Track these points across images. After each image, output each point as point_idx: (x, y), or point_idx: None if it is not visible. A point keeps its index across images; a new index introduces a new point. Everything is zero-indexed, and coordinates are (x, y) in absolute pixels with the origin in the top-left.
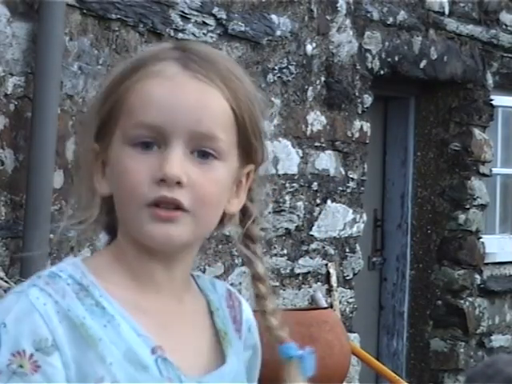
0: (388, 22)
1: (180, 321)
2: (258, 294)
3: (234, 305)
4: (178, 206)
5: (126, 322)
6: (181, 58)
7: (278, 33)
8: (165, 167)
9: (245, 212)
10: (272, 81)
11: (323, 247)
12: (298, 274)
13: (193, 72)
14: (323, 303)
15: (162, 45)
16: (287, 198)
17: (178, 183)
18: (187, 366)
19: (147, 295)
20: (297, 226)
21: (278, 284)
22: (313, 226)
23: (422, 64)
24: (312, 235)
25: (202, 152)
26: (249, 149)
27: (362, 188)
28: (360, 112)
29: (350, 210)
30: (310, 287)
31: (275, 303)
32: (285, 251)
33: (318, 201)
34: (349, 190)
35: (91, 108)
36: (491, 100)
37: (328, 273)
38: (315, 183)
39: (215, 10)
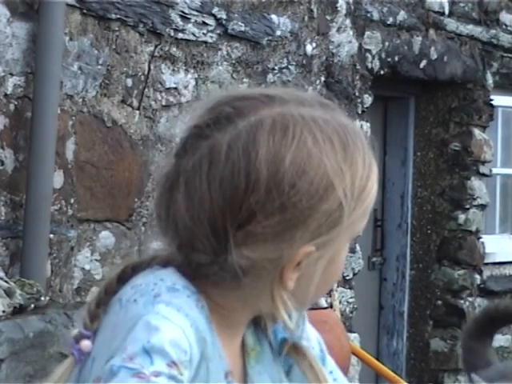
0: (388, 22)
1: (234, 352)
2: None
3: None
4: None
5: (217, 342)
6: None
7: (278, 33)
8: None
9: None
10: (272, 81)
11: None
12: None
13: None
14: (323, 303)
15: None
16: None
17: None
18: None
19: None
20: None
21: None
22: None
23: (422, 64)
24: None
25: None
26: None
27: None
28: (360, 112)
29: None
30: None
31: None
32: None
33: None
34: None
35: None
36: (491, 100)
37: None
38: None
39: (215, 10)
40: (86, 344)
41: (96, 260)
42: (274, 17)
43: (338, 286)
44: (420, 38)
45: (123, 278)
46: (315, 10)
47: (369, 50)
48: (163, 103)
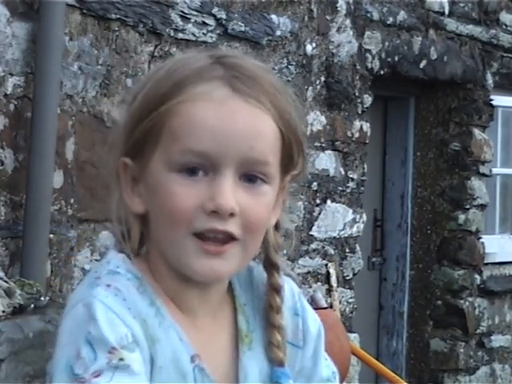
0: (388, 22)
1: (213, 336)
2: (272, 305)
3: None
4: (227, 237)
5: (172, 326)
6: (226, 77)
7: (278, 33)
8: (218, 198)
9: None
10: None
11: (323, 247)
12: (298, 274)
13: (243, 95)
14: (323, 303)
15: (201, 58)
16: (287, 197)
17: (231, 214)
18: (221, 378)
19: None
20: (297, 226)
21: None
22: (313, 225)
23: (422, 64)
24: (312, 235)
25: (250, 176)
26: (290, 163)
27: (362, 188)
28: (360, 112)
29: (350, 210)
30: (310, 287)
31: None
32: (284, 251)
33: (318, 201)
34: (349, 190)
35: (124, 121)
36: (491, 100)
37: (328, 273)
38: (315, 183)
39: (215, 10)
40: None
41: (96, 260)
42: (274, 17)
43: (338, 286)
44: (420, 38)
45: None
46: (315, 10)
47: (369, 50)
48: None
